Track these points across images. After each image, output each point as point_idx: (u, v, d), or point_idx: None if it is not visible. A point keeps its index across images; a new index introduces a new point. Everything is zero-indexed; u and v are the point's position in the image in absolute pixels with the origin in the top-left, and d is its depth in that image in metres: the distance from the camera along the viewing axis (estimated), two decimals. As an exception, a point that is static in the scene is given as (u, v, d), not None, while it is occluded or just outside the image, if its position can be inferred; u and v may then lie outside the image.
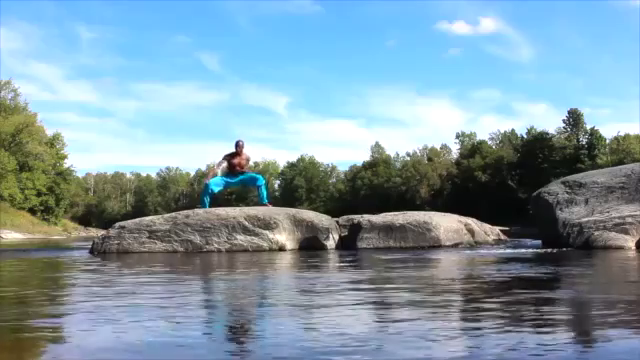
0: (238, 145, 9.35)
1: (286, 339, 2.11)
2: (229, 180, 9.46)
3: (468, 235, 9.17)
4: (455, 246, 8.47)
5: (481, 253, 7.28)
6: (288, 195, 70.49)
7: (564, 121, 57.00)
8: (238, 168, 9.34)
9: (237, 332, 2.36)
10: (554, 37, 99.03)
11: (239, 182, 9.68)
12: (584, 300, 3.15)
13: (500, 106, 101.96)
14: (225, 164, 9.47)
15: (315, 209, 24.62)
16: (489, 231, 10.30)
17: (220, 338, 2.29)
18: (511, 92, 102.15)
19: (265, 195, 9.44)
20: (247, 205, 15.70)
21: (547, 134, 57.54)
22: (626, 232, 7.44)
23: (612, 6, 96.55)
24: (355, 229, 8.71)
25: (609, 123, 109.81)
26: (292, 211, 8.90)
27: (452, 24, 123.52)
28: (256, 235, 8.08)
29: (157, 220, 8.36)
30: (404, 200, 55.96)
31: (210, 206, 8.98)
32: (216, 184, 9.28)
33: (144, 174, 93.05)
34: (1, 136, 40.33)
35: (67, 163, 48.98)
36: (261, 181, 9.58)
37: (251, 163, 9.95)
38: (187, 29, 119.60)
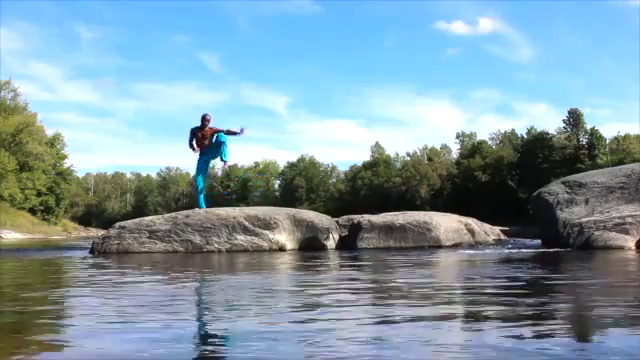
0: (205, 119, 9.00)
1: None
2: (200, 161, 9.08)
3: (468, 235, 9.17)
4: (455, 246, 8.47)
5: (481, 253, 7.26)
6: (288, 195, 70.41)
7: (564, 121, 56.97)
8: (203, 141, 8.95)
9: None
10: (554, 37, 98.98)
11: (211, 157, 9.22)
12: (586, 304, 3.15)
13: (500, 106, 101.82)
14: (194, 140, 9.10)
15: (315, 209, 24.60)
16: (489, 231, 10.30)
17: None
18: (511, 92, 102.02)
19: (225, 153, 9.00)
20: (247, 205, 15.70)
21: (547, 134, 57.48)
22: (626, 232, 7.44)
23: (612, 6, 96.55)
24: (355, 229, 8.71)
25: (609, 123, 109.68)
26: (292, 211, 8.90)
27: (450, 24, 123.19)
28: (256, 235, 8.08)
29: (157, 220, 8.37)
30: (404, 200, 55.92)
31: (208, 205, 8.97)
32: (199, 175, 9.07)
33: (144, 174, 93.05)
34: (1, 136, 40.28)
35: (67, 163, 48.99)
36: (222, 137, 9.05)
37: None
38: (187, 29, 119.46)
